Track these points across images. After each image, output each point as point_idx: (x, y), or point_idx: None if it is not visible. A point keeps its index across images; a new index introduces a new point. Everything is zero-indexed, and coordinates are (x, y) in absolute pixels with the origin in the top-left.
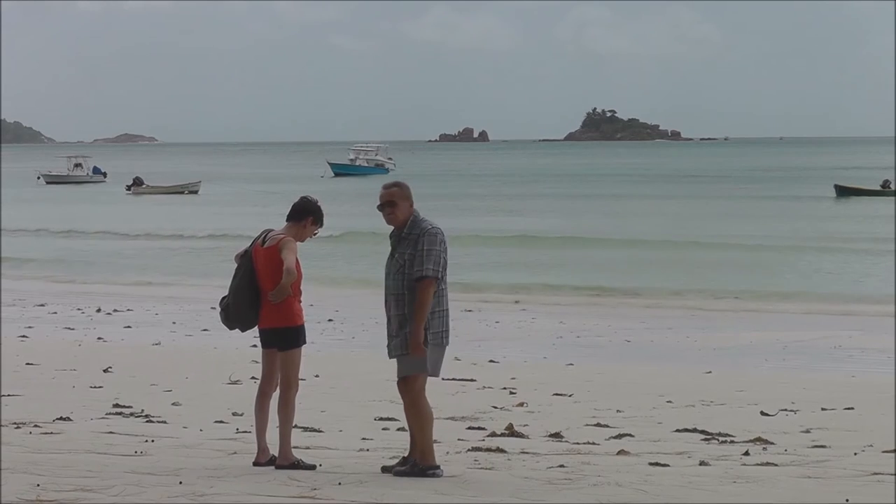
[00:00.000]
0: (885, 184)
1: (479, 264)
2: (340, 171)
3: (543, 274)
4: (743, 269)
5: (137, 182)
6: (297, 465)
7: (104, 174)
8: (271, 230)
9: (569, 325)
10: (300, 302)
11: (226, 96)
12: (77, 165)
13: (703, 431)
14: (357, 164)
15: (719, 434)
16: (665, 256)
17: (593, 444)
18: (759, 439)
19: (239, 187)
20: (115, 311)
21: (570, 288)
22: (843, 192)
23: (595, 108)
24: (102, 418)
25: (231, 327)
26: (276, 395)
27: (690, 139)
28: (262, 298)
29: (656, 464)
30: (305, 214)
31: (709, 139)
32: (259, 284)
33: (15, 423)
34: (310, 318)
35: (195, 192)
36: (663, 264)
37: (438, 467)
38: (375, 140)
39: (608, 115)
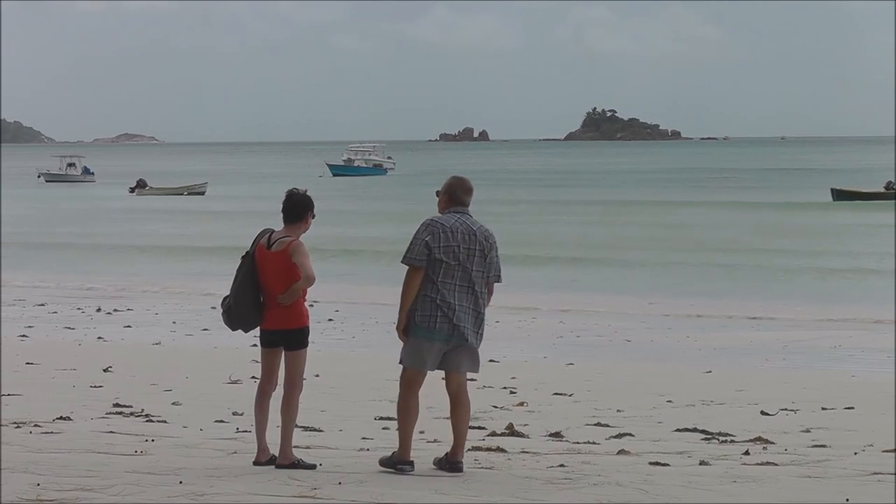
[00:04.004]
0: (889, 185)
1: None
2: (339, 172)
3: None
4: (740, 274)
5: (141, 184)
6: (298, 464)
7: (92, 174)
8: (271, 230)
9: (569, 325)
10: (305, 302)
11: (226, 96)
12: (70, 165)
13: (703, 431)
14: (355, 164)
15: (719, 434)
16: (660, 264)
17: (593, 443)
18: (759, 439)
19: (245, 189)
20: (115, 310)
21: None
22: (840, 195)
23: (595, 108)
24: (102, 418)
25: (234, 328)
26: (276, 394)
27: (690, 139)
28: (266, 299)
29: (656, 463)
30: (304, 211)
31: (709, 139)
32: (264, 286)
33: (15, 423)
34: (310, 317)
35: (202, 194)
36: (661, 270)
37: (409, 463)
38: (373, 139)
39: (608, 114)
